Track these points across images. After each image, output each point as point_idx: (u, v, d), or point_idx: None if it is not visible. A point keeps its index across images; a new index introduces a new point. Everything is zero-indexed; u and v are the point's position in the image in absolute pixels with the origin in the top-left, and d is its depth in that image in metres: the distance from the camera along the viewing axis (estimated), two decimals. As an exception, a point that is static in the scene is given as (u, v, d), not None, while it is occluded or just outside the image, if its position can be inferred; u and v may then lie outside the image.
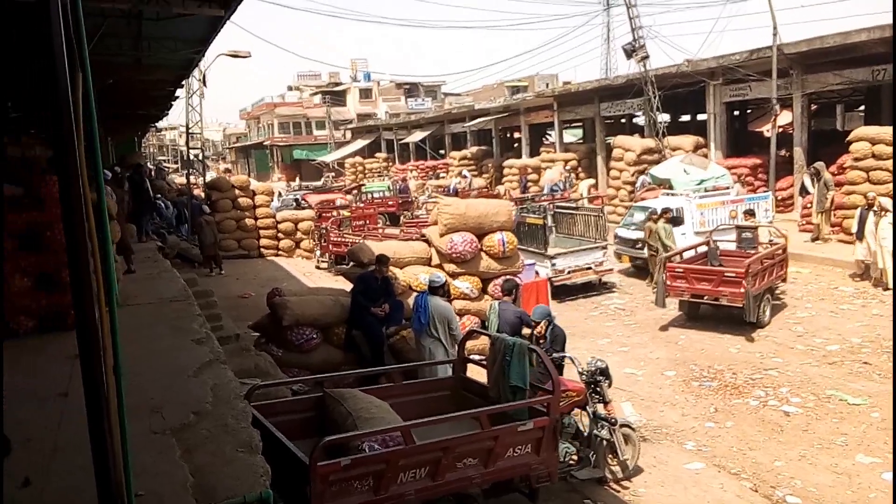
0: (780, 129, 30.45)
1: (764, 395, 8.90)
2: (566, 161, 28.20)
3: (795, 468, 7.06)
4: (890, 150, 15.05)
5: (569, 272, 13.93)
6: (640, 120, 32.05)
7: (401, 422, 4.95)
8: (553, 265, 13.73)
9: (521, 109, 33.28)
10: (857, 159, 15.66)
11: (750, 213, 14.33)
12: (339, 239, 17.75)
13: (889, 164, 15.13)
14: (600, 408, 6.42)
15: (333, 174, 50.91)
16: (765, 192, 18.05)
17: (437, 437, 4.89)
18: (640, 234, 15.15)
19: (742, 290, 10.78)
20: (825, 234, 16.76)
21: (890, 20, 16.31)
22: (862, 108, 30.88)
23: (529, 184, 27.90)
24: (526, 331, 7.50)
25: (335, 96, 67.61)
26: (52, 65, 3.02)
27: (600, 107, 27.44)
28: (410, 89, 69.98)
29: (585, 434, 6.43)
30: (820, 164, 17.37)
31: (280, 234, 21.39)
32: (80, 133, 3.14)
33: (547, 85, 56.05)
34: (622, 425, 6.39)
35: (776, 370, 9.68)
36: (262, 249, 21.14)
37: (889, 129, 15.71)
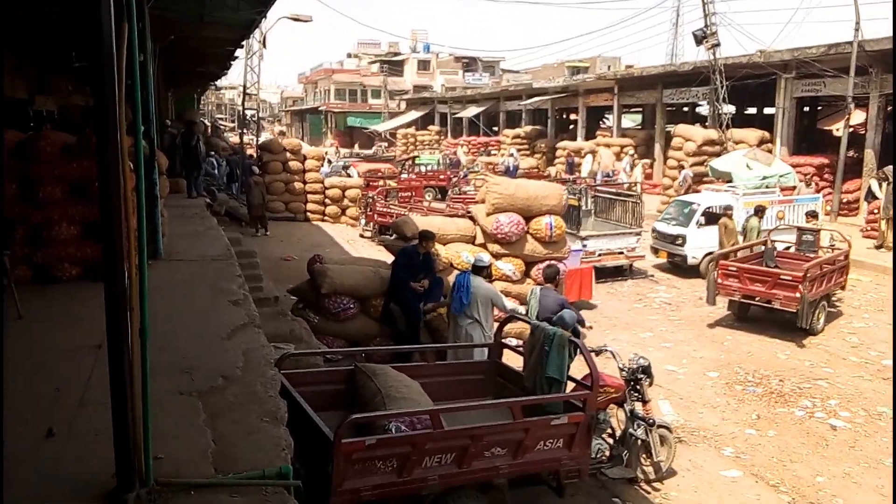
0: (851, 130, 29.24)
1: (811, 405, 8.52)
2: (622, 146, 27.51)
3: (838, 486, 6.74)
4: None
5: (599, 255, 13.80)
6: (703, 109, 31.08)
7: (430, 404, 4.82)
8: (584, 246, 13.51)
9: (579, 91, 32.54)
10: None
11: (812, 215, 13.67)
12: (385, 209, 17.67)
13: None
14: (638, 406, 6.19)
15: (386, 144, 50.86)
16: (816, 193, 17.27)
17: (467, 424, 4.75)
18: (680, 230, 14.62)
19: (798, 294, 10.34)
20: (889, 241, 15.98)
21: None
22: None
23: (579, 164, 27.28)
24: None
25: (393, 66, 67.43)
26: (97, 14, 2.93)
27: (663, 93, 26.61)
28: (469, 63, 69.30)
29: (620, 432, 6.21)
30: (889, 169, 16.52)
31: (327, 200, 21.44)
32: (122, 84, 3.05)
33: (609, 67, 54.78)
34: (659, 426, 6.14)
35: (826, 381, 9.26)
36: (308, 213, 21.25)
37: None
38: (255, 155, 23.41)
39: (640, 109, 36.09)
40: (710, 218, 14.65)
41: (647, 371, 6.16)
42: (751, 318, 11.69)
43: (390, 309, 8.52)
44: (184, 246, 8.97)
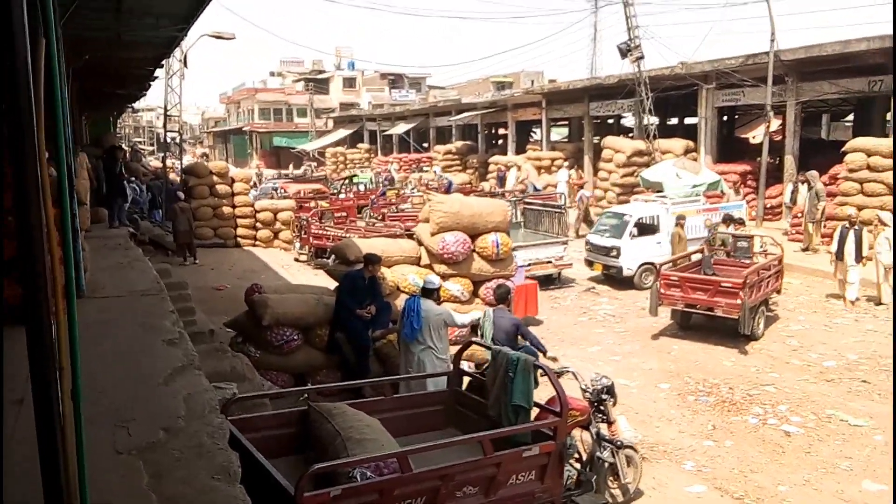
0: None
1: (762, 412, 8.58)
2: (552, 160, 27.86)
3: (800, 494, 6.73)
4: (886, 162, 14.87)
5: (529, 264, 13.93)
6: (627, 121, 31.83)
7: (395, 444, 4.48)
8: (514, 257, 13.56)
9: (508, 105, 32.83)
10: (851, 170, 15.46)
11: (740, 222, 13.85)
12: (321, 231, 17.17)
13: (884, 176, 14.95)
14: (604, 428, 6.01)
15: (314, 163, 50.02)
16: (739, 201, 17.79)
17: (435, 462, 4.42)
18: (614, 242, 14.75)
19: (739, 301, 10.45)
20: (815, 244, 16.59)
21: (889, 30, 16.13)
22: (847, 118, 30.99)
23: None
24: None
25: (318, 84, 66.60)
26: (9, 28, 2.52)
27: (589, 106, 27.08)
28: (395, 80, 69.23)
29: (586, 455, 6.00)
30: (812, 173, 17.20)
31: (258, 224, 20.72)
32: (40, 109, 2.63)
33: (532, 82, 55.72)
34: (626, 447, 5.96)
35: (773, 386, 9.38)
36: (238, 239, 20.48)
37: (885, 141, 15.55)
38: (179, 179, 22.44)
39: (567, 123, 36.75)
40: (643, 229, 14.87)
41: (611, 391, 5.99)
42: (694, 326, 11.83)
43: (336, 338, 8.11)
44: (108, 280, 8.31)
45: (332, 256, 15.79)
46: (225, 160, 48.26)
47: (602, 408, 5.94)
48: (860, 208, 15.04)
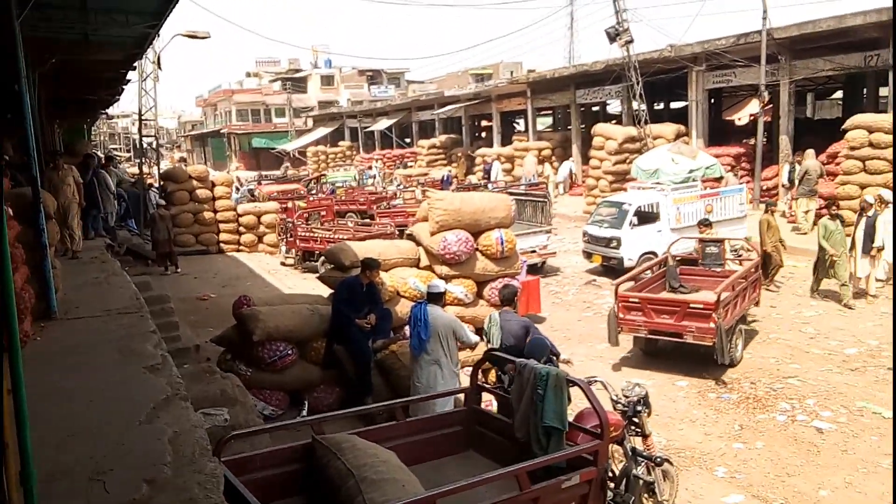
0: (752, 118, 30.17)
1: (790, 408, 8.10)
2: (540, 150, 27.35)
3: (844, 498, 6.25)
4: (889, 138, 14.44)
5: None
6: (613, 108, 31.36)
7: (416, 482, 3.90)
8: None
9: (492, 96, 32.23)
10: (853, 148, 15.00)
11: (706, 225, 12.16)
12: (308, 234, 16.50)
13: (887, 153, 14.52)
14: (638, 442, 5.46)
15: (288, 164, 49.08)
16: (739, 184, 17.35)
17: (461, 497, 3.84)
18: (614, 233, 14.18)
19: (712, 325, 8.65)
20: (803, 221, 16.32)
21: (884, 4, 15.72)
22: (834, 95, 30.71)
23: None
24: None
25: (296, 83, 65.69)
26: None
27: (576, 94, 26.55)
28: (373, 76, 68.49)
29: (619, 472, 5.45)
30: (809, 152, 16.81)
31: (242, 228, 19.98)
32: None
33: (511, 73, 55.20)
34: (663, 461, 5.42)
35: (796, 378, 8.90)
36: (221, 245, 19.74)
37: (886, 117, 15.14)
38: (157, 185, 21.64)
39: (551, 112, 36.24)
40: (643, 217, 14.36)
41: (645, 401, 5.44)
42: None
43: (334, 351, 7.53)
44: (83, 299, 7.63)
45: (320, 261, 15.36)
46: (203, 164, 47.33)
47: (636, 420, 5.38)
48: (863, 187, 14.62)
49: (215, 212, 19.63)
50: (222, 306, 12.67)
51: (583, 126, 27.53)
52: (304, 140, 53.28)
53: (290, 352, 7.42)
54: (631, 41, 20.64)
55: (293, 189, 25.79)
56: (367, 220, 18.66)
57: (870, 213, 11.69)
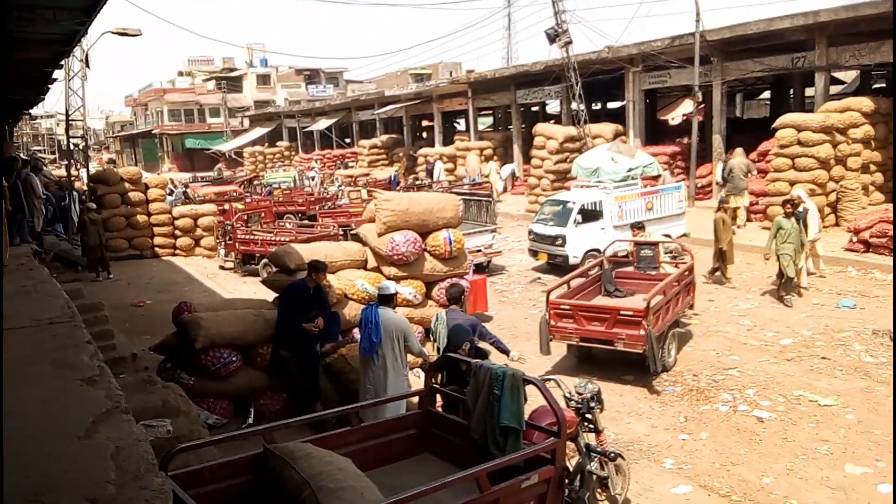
0: (685, 118, 31.10)
1: (731, 399, 8.32)
2: (482, 149, 27.51)
3: (786, 484, 6.44)
4: (816, 136, 15.08)
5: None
6: (552, 108, 31.79)
7: (374, 489, 3.81)
8: None
9: (433, 96, 32.23)
10: (782, 146, 15.61)
11: (639, 227, 11.87)
12: (248, 236, 16.11)
13: (815, 150, 15.16)
14: (592, 438, 5.50)
15: (222, 165, 47.88)
16: (677, 182, 17.84)
17: (419, 499, 3.77)
18: (559, 230, 14.36)
19: (643, 332, 8.39)
20: (740, 219, 16.89)
21: (810, 7, 16.42)
22: (762, 96, 31.94)
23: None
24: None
25: (231, 82, 64.32)
26: None
27: (516, 94, 26.80)
28: (311, 76, 67.68)
29: (573, 470, 5.47)
30: (738, 150, 17.42)
31: (177, 232, 19.37)
32: None
33: (451, 73, 55.43)
34: (616, 456, 5.47)
35: (736, 369, 9.16)
36: (156, 249, 19.11)
37: (814, 116, 15.80)
38: (85, 188, 20.77)
39: (490, 112, 36.49)
40: (587, 215, 14.59)
41: (598, 398, 5.48)
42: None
43: (281, 356, 7.34)
44: (10, 309, 7.19)
45: (261, 264, 15.03)
46: (134, 165, 45.76)
47: (589, 416, 5.42)
48: (792, 183, 15.22)
49: (149, 215, 18.97)
50: (159, 313, 12.23)
51: (523, 126, 27.83)
52: (241, 140, 52.18)
53: (234, 358, 7.21)
54: (570, 42, 20.97)
55: (230, 190, 25.21)
56: (307, 222, 18.40)
57: (800, 209, 12.14)
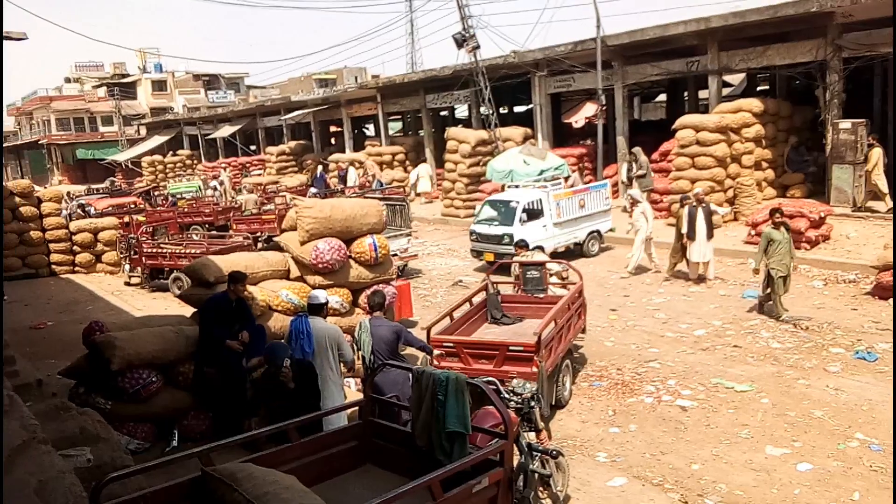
0: (588, 121, 32.17)
1: (655, 390, 8.62)
2: (393, 154, 27.45)
3: (714, 470, 6.71)
4: (713, 136, 15.91)
5: None
6: (461, 112, 32.10)
7: (325, 506, 3.66)
8: None
9: (341, 101, 31.85)
10: (683, 146, 16.37)
11: (522, 246, 11.13)
12: (155, 250, 15.37)
13: (712, 150, 15.98)
14: (532, 438, 5.54)
15: (119, 176, 45.52)
16: (602, 181, 18.42)
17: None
18: (505, 229, 14.56)
19: (534, 369, 7.40)
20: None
21: (702, 13, 17.30)
22: (658, 98, 33.46)
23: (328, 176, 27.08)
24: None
25: (124, 89, 61.23)
26: None
27: (426, 98, 26.90)
28: (210, 81, 65.44)
29: (515, 470, 5.49)
30: (637, 150, 18.18)
31: (76, 248, 18.23)
32: None
33: (356, 78, 55.07)
34: (557, 453, 5.54)
35: (657, 361, 9.50)
36: (53, 267, 17.93)
37: (710, 117, 16.65)
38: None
39: (400, 117, 36.46)
40: (530, 214, 14.91)
41: (537, 397, 5.53)
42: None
43: (205, 374, 7.00)
44: None
45: (171, 278, 14.36)
46: (21, 178, 42.77)
47: (530, 416, 5.46)
48: (693, 181, 15.98)
49: (44, 230, 17.78)
50: (62, 335, 11.50)
51: (433, 130, 27.97)
52: (138, 150, 49.78)
53: (154, 379, 6.83)
54: (477, 47, 21.24)
55: (128, 202, 23.99)
56: (216, 232, 17.78)
57: (704, 205, 12.75)
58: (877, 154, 14.94)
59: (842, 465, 6.52)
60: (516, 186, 16.01)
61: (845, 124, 15.39)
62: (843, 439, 6.98)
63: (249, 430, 5.98)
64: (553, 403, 8.05)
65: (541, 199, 14.94)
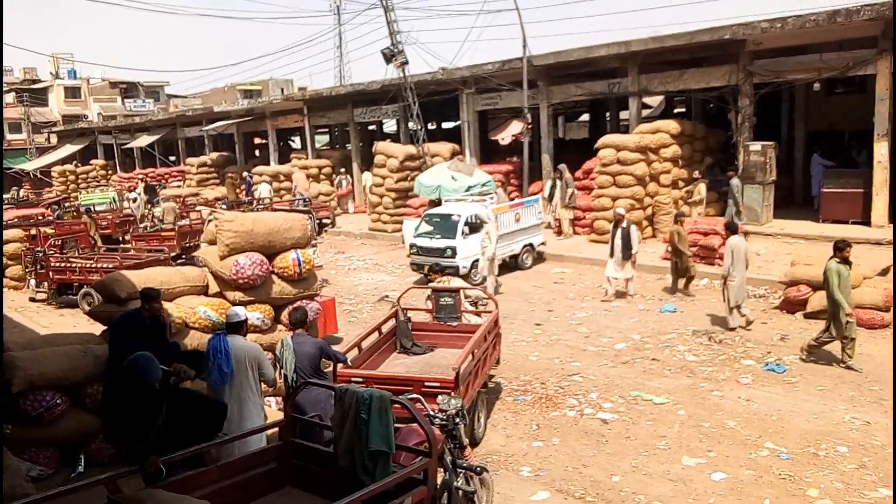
0: (514, 138, 32.74)
1: (577, 403, 8.75)
2: (320, 168, 27.14)
3: (633, 481, 6.85)
4: (633, 156, 16.44)
5: None
6: (389, 127, 32.10)
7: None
8: None
9: (266, 113, 31.27)
10: (605, 164, 16.84)
11: (437, 272, 10.86)
12: (64, 264, 14.60)
13: (632, 168, 16.51)
14: (458, 454, 5.50)
15: (27, 186, 43.21)
16: (532, 195, 18.76)
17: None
18: (448, 242, 14.61)
19: None
20: (567, 229, 18.01)
21: (624, 37, 17.95)
22: (581, 118, 34.41)
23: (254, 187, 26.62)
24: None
25: (34, 95, 58.34)
26: None
27: (354, 112, 26.76)
28: (128, 89, 63.18)
29: (439, 487, 5.44)
30: (562, 166, 18.60)
31: (-26, 262, 17.08)
32: None
33: (283, 90, 54.34)
34: (482, 469, 5.52)
35: (579, 375, 9.66)
36: (-51, 282, 16.72)
37: (630, 137, 17.21)
38: None
39: (327, 130, 36.13)
40: (471, 227, 14.95)
41: (462, 414, 5.50)
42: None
43: (114, 395, 6.64)
44: None
45: (80, 294, 13.68)
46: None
47: (455, 433, 5.42)
48: (615, 199, 16.45)
49: (-63, 244, 16.58)
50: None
51: (361, 144, 27.84)
52: (48, 159, 47.41)
53: (59, 401, 6.44)
54: (406, 62, 21.31)
55: (36, 214, 22.75)
56: (113, 246, 17.21)
57: (623, 224, 13.12)
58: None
59: (753, 474, 6.77)
60: (456, 200, 16.17)
61: (755, 146, 16.24)
62: (755, 448, 7.26)
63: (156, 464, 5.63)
64: (468, 443, 6.79)
65: (479, 213, 15.09)
